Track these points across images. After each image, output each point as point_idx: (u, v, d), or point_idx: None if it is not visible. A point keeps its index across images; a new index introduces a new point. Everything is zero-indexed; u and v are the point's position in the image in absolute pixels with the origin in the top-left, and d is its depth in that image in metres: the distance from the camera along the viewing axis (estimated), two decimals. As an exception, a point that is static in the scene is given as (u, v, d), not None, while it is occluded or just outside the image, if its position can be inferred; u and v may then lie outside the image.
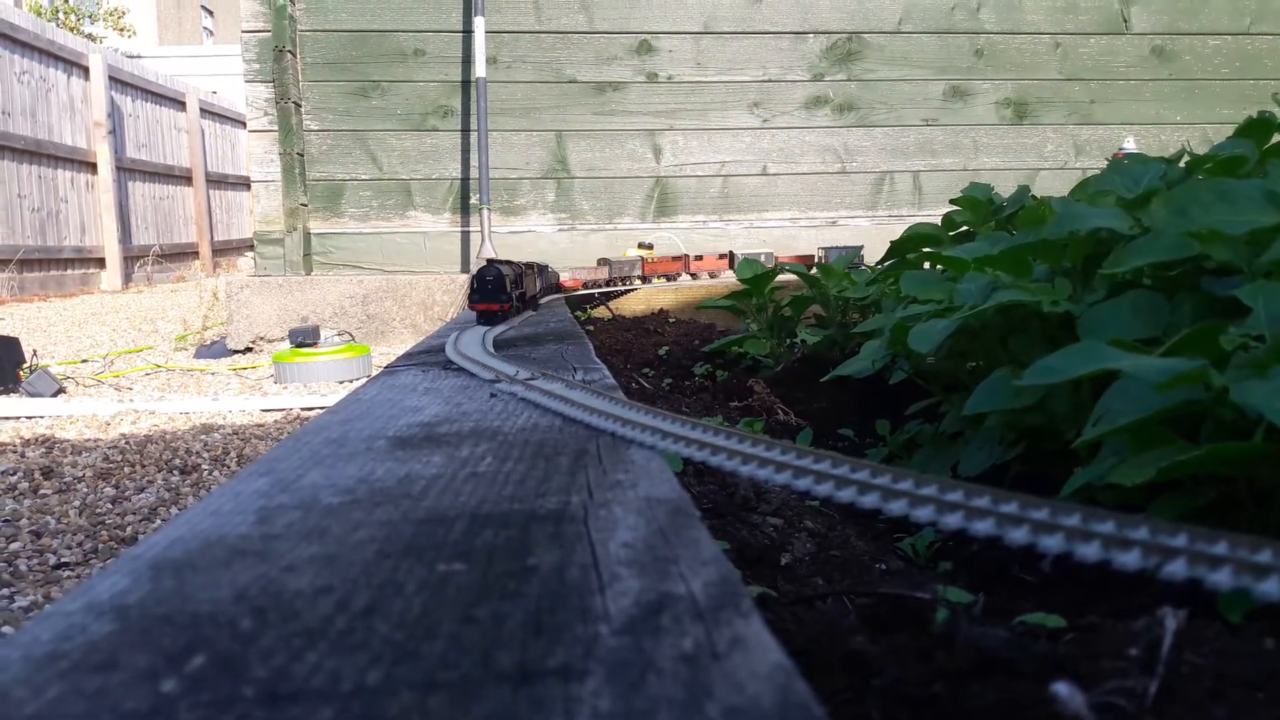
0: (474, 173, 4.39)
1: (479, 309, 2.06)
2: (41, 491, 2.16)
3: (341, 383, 3.52)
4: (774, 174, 4.65)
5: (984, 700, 0.59)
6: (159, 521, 1.96)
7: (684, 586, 0.57)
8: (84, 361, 4.20)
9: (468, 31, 4.36)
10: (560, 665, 0.47)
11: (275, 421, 2.93)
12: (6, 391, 3.36)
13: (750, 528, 1.05)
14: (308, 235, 4.38)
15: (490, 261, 2.11)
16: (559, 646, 0.49)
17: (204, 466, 2.37)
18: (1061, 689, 0.55)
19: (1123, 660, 0.63)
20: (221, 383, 3.65)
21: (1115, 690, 0.59)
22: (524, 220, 4.51)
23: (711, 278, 3.62)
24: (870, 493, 0.73)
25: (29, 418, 2.99)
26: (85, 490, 2.17)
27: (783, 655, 0.47)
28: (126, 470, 2.33)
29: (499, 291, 2.05)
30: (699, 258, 3.73)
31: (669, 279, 3.69)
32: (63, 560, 1.74)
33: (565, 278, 3.41)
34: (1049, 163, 4.79)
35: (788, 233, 4.66)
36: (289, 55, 4.25)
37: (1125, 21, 4.75)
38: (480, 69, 4.24)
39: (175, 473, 2.32)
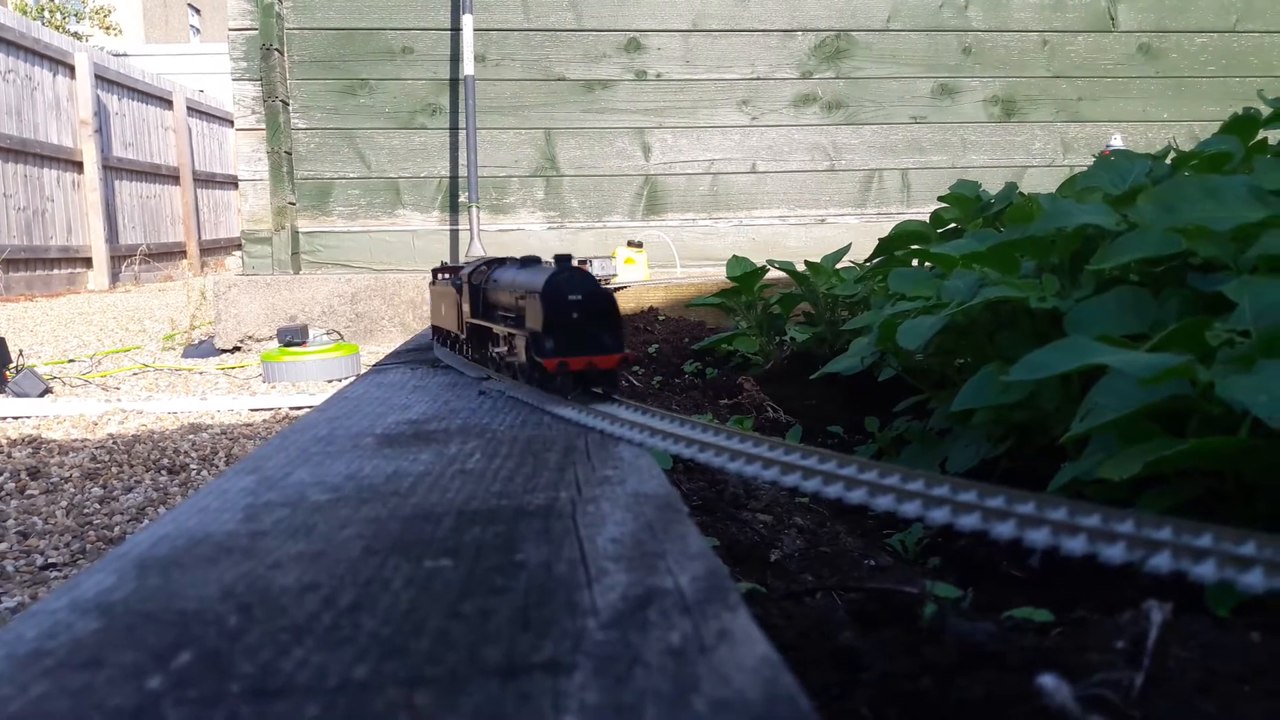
0: (463, 171, 4.38)
1: (572, 369, 1.08)
2: (28, 492, 2.15)
3: (330, 382, 3.51)
4: (763, 172, 4.65)
5: (972, 694, 0.59)
6: (147, 521, 1.96)
7: (671, 581, 0.57)
8: (71, 361, 4.18)
9: (456, 29, 4.35)
10: (547, 659, 0.47)
11: (263, 420, 2.92)
12: (-8, 391, 3.34)
13: (740, 524, 1.05)
14: (296, 234, 4.37)
15: (560, 262, 1.12)
16: (546, 641, 0.49)
17: (192, 466, 2.36)
18: (1048, 681, 0.55)
19: (1110, 653, 0.64)
20: (209, 382, 3.64)
21: (1102, 683, 0.59)
22: (513, 218, 4.51)
23: None
24: (857, 488, 0.73)
25: (15, 418, 2.98)
26: (72, 490, 2.16)
27: (770, 648, 0.47)
28: (114, 470, 2.32)
29: (607, 328, 1.09)
30: None
31: None
32: (50, 561, 1.73)
33: None
34: (1037, 160, 4.80)
35: (777, 231, 4.67)
36: (277, 53, 4.23)
37: (1112, 19, 4.77)
38: (469, 67, 4.23)
39: (163, 472, 2.31)
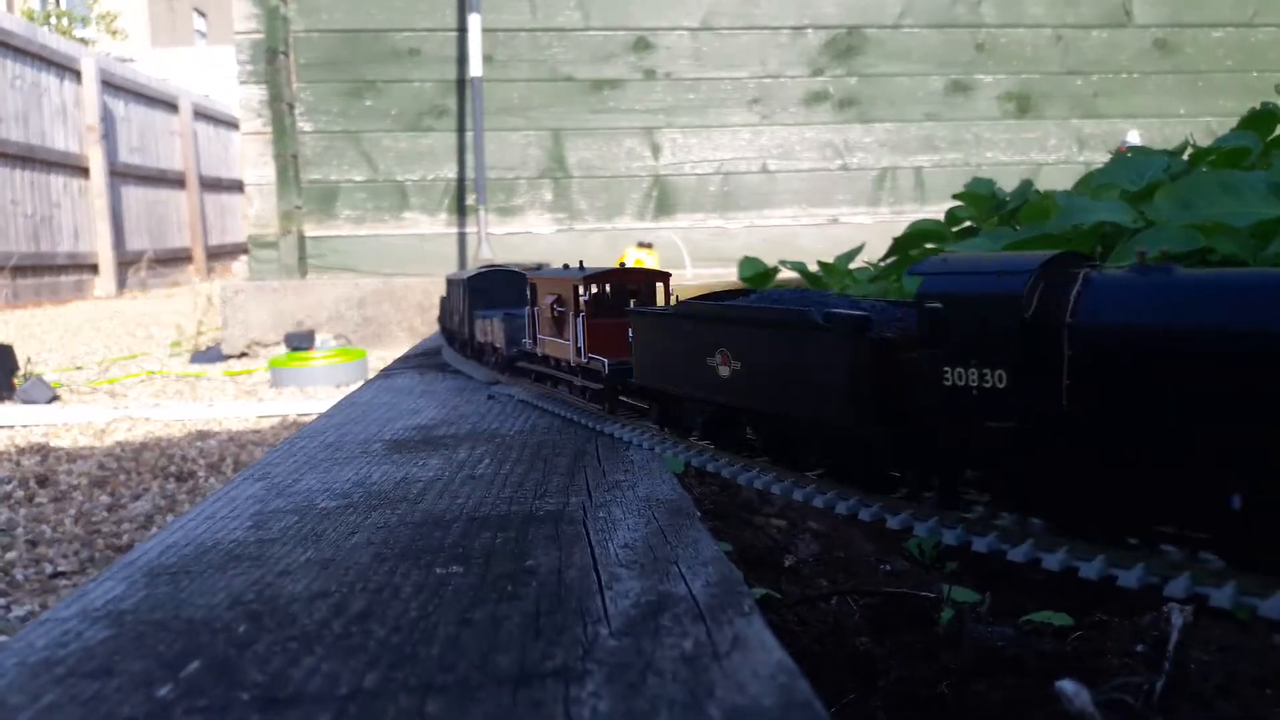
0: (470, 173, 4.38)
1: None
2: (37, 500, 2.15)
3: (338, 386, 3.51)
4: (774, 171, 4.64)
5: (990, 699, 0.58)
6: (155, 529, 1.96)
7: (684, 587, 0.56)
8: (78, 368, 4.19)
9: (462, 30, 4.35)
10: (559, 667, 0.46)
11: (271, 427, 2.92)
12: (0, 399, 3.35)
13: (753, 529, 1.05)
14: (302, 238, 4.37)
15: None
16: (558, 648, 0.48)
17: (200, 473, 2.36)
18: (1067, 686, 0.54)
19: (1130, 657, 0.63)
20: (216, 388, 3.64)
21: (1122, 687, 0.58)
22: (522, 220, 4.50)
23: None
24: (871, 506, 0.71)
25: (24, 426, 2.98)
26: (81, 498, 2.16)
27: (785, 654, 0.47)
28: (122, 478, 2.32)
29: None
30: None
31: None
32: (59, 569, 1.73)
33: None
34: (1052, 156, 4.78)
35: (789, 230, 4.66)
36: (282, 56, 4.24)
37: (1127, 14, 4.75)
38: (476, 68, 4.23)
39: (171, 480, 2.31)
